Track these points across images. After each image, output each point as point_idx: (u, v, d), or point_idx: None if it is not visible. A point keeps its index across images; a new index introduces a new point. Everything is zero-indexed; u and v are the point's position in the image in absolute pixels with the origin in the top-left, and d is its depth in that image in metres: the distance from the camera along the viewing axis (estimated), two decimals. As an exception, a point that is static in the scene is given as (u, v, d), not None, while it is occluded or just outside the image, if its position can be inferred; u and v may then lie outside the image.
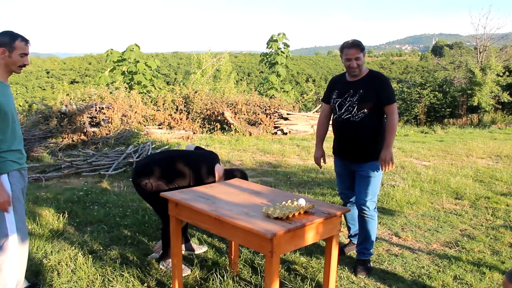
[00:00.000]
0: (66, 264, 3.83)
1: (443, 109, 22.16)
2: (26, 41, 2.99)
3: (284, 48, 21.96)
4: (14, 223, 2.99)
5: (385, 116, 3.87)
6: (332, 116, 4.07)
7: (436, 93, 22.59)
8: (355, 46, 3.73)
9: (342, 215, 3.51)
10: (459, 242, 4.62)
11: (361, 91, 3.77)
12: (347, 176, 4.08)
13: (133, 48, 17.87)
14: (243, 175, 3.98)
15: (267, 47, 22.08)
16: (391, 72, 74.62)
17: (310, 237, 2.75)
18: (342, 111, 3.85)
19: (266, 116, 13.67)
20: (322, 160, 4.24)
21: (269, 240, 2.47)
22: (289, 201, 2.94)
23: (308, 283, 3.60)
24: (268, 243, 2.50)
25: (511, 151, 10.56)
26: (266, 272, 2.59)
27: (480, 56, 27.51)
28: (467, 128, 17.93)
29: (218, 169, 3.88)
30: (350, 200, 4.15)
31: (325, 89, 4.25)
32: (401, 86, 25.13)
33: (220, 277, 3.54)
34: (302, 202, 2.87)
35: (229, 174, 3.92)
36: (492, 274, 3.85)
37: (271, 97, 16.55)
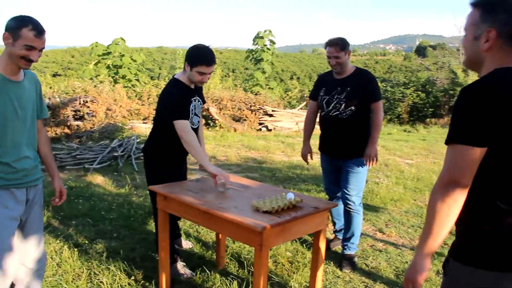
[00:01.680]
0: (51, 258, 3.80)
1: (425, 109, 22.42)
2: (38, 31, 2.38)
3: (270, 45, 21.98)
4: None
5: (371, 113, 3.93)
6: (319, 113, 4.11)
7: (419, 92, 22.83)
8: (334, 44, 3.82)
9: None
10: (442, 239, 4.69)
11: (348, 88, 3.83)
12: (333, 172, 4.13)
13: (118, 42, 17.73)
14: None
15: (253, 44, 22.06)
16: (375, 71, 74.94)
17: (299, 231, 2.78)
18: (330, 108, 3.91)
19: (251, 113, 13.67)
20: (309, 157, 4.29)
21: (259, 233, 2.49)
22: (278, 195, 2.96)
23: (294, 277, 3.63)
24: (257, 236, 2.51)
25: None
26: (255, 265, 2.60)
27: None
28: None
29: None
30: (336, 195, 4.19)
31: (311, 87, 4.30)
32: (384, 85, 25.33)
33: (208, 271, 3.55)
34: (291, 196, 2.89)
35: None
36: (474, 269, 3.92)
37: (256, 94, 16.55)
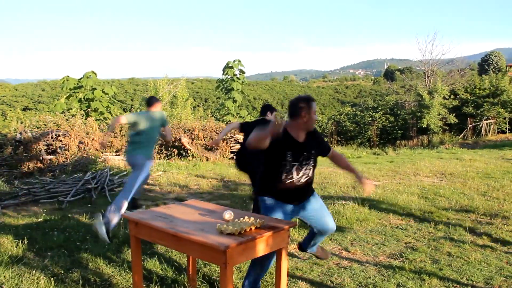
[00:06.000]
0: None
1: (395, 131, 23.07)
2: None
3: (240, 74, 22.44)
4: None
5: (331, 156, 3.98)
6: (279, 176, 3.66)
7: (388, 116, 23.51)
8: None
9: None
10: (403, 254, 4.97)
11: (312, 151, 3.73)
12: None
13: (90, 75, 17.91)
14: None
15: (223, 74, 22.51)
16: (345, 97, 76.41)
17: (261, 249, 3.01)
18: (300, 175, 3.68)
19: (223, 141, 13.94)
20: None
21: (223, 252, 2.72)
22: (241, 218, 3.20)
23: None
24: (221, 255, 2.74)
25: (454, 169, 11.18)
26: (221, 282, 2.82)
27: (428, 80, 28.85)
28: (417, 149, 18.68)
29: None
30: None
31: (284, 113, 4.45)
32: (354, 110, 26.01)
33: (179, 293, 3.74)
34: (253, 219, 3.13)
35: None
36: (431, 280, 4.19)
37: (227, 123, 16.86)
